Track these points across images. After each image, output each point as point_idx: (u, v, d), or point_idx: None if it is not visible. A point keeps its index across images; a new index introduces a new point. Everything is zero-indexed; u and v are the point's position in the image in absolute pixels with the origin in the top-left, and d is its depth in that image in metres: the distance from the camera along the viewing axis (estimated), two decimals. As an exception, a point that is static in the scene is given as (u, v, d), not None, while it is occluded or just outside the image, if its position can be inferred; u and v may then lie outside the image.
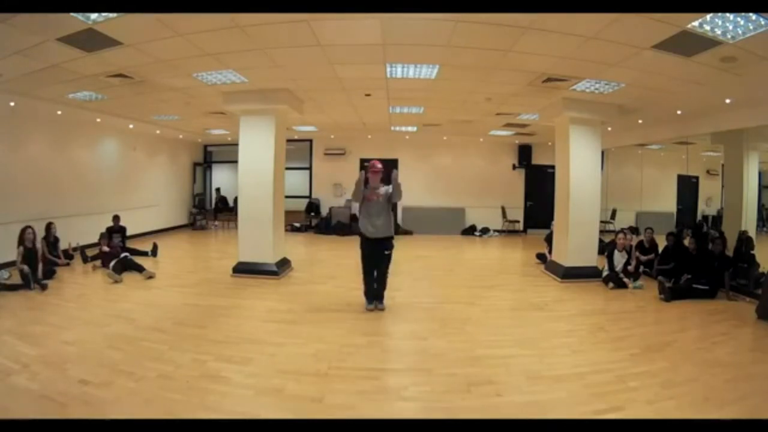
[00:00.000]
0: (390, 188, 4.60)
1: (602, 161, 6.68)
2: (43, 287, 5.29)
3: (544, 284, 6.19)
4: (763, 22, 3.26)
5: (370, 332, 4.11)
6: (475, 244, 10.52)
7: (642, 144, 9.80)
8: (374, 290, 4.71)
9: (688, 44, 3.71)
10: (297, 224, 11.64)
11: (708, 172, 10.67)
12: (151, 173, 10.52)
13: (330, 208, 11.75)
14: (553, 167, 7.06)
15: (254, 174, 6.18)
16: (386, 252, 4.58)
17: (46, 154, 7.48)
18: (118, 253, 6.55)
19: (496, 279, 6.56)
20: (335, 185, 12.07)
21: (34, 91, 5.76)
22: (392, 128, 9.90)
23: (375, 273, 4.65)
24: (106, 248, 6.75)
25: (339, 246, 9.60)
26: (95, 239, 7.30)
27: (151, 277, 6.00)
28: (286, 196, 7.14)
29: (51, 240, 6.70)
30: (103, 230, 7.35)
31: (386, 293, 4.77)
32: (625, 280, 5.98)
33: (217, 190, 12.70)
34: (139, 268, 6.19)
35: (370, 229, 4.56)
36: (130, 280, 5.90)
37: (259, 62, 4.72)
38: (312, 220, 11.95)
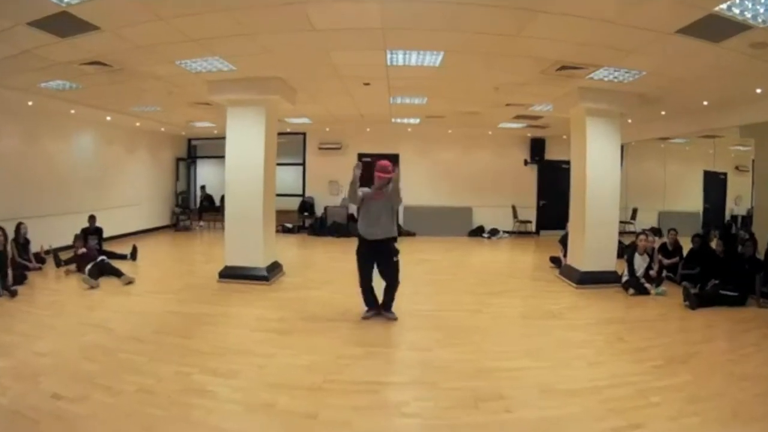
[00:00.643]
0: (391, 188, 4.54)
1: (621, 156, 6.68)
2: (13, 294, 5.29)
3: (558, 290, 6.18)
4: (796, 5, 3.26)
5: (369, 342, 4.10)
6: (483, 246, 10.52)
7: (665, 137, 9.81)
8: (375, 296, 4.71)
9: (716, 28, 3.71)
10: (289, 225, 11.65)
11: (737, 168, 10.67)
12: (131, 169, 10.53)
13: (325, 208, 11.76)
14: (568, 163, 7.06)
15: (243, 170, 6.18)
16: (394, 259, 4.56)
17: (16, 149, 7.49)
18: (94, 256, 6.56)
19: (505, 284, 6.57)
20: (331, 182, 12.07)
21: (2, 80, 5.76)
22: (393, 120, 9.90)
23: (373, 277, 4.64)
24: (82, 250, 6.76)
25: (335, 248, 9.60)
26: (70, 241, 7.31)
27: (130, 282, 6.01)
28: (278, 195, 7.14)
29: (21, 242, 6.71)
30: (78, 232, 7.36)
31: (383, 296, 4.74)
32: (647, 285, 5.98)
33: (202, 187, 12.71)
34: (117, 273, 6.20)
35: (369, 231, 4.53)
36: (108, 285, 5.90)
37: (248, 48, 4.72)
38: (305, 220, 11.96)
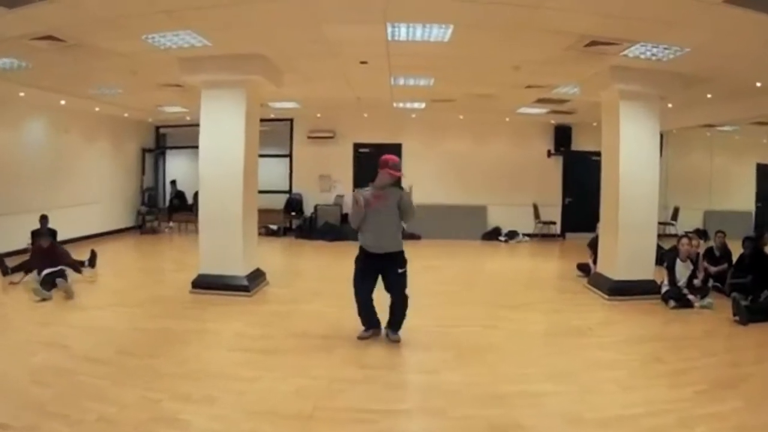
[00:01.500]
0: (400, 195, 4.45)
1: (661, 146, 6.68)
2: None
3: (586, 302, 6.19)
4: None
5: (367, 364, 4.10)
6: (500, 251, 10.52)
7: (711, 125, 9.82)
8: (375, 313, 4.65)
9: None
10: (274, 226, 11.64)
11: (796, 160, 10.68)
12: (89, 162, 10.53)
13: (315, 206, 11.76)
14: (598, 154, 7.06)
15: (219, 163, 6.17)
16: (399, 270, 4.48)
17: (-44, 138, 7.49)
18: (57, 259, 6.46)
19: (525, 296, 6.57)
20: (322, 177, 12.08)
21: (-60, 58, 5.78)
22: (394, 105, 9.90)
23: (372, 293, 4.58)
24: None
25: (327, 253, 9.59)
26: (17, 245, 7.29)
27: (68, 296, 5.82)
28: (260, 191, 7.13)
29: (-39, 247, 6.69)
30: (28, 234, 7.33)
31: (388, 315, 4.72)
32: (690, 297, 5.98)
33: (173, 183, 12.70)
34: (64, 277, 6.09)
35: (372, 243, 4.46)
36: (63, 298, 5.89)
37: (227, 20, 4.71)
38: (292, 220, 11.95)
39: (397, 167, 4.47)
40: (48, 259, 6.40)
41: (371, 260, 4.49)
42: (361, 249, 4.57)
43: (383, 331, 4.69)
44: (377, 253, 4.45)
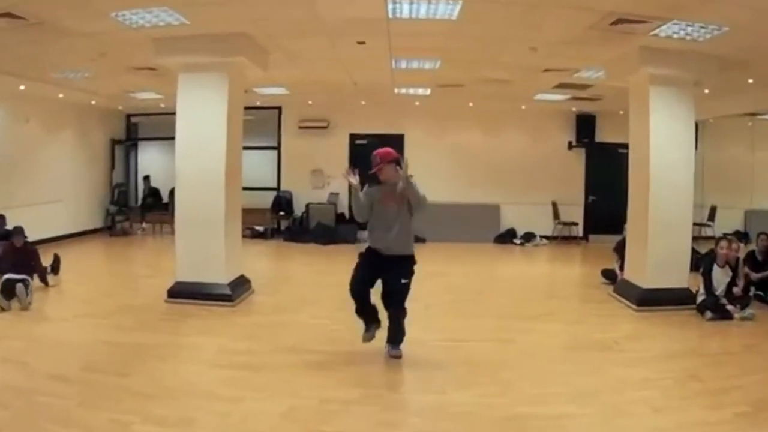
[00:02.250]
0: (399, 184, 4.39)
1: (696, 138, 6.68)
2: None
3: (612, 313, 6.19)
4: None
5: (364, 382, 4.09)
6: (515, 255, 10.52)
7: (753, 113, 9.84)
8: (374, 307, 4.60)
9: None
10: (260, 228, 11.65)
11: None
12: (52, 155, 10.52)
13: (307, 205, 11.77)
14: (625, 146, 7.06)
15: (198, 156, 6.17)
16: (403, 281, 4.45)
17: None
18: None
19: (543, 306, 6.57)
20: (314, 172, 12.09)
21: None
22: (396, 91, 9.91)
23: (371, 288, 4.54)
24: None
25: (319, 258, 9.59)
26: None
27: (23, 307, 5.77)
28: (245, 188, 7.13)
29: None
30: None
31: (387, 327, 4.69)
32: (729, 307, 5.98)
33: (146, 178, 12.71)
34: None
35: (382, 244, 4.48)
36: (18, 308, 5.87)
37: (206, -4, 4.73)
38: (281, 221, 11.96)
39: (382, 158, 4.41)
40: (18, 262, 6.34)
41: (376, 257, 4.51)
42: (369, 248, 4.60)
43: (385, 348, 4.62)
44: (384, 254, 4.48)
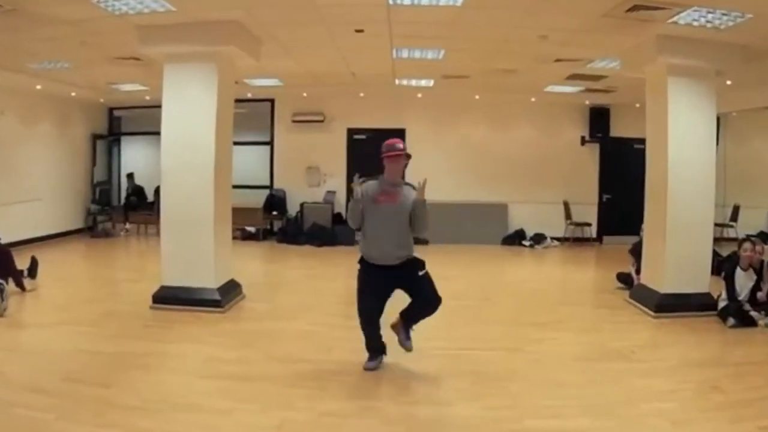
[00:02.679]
0: (411, 196, 4.31)
1: (718, 133, 6.67)
2: None
3: (628, 320, 6.18)
4: None
5: (363, 393, 4.09)
6: (524, 258, 10.51)
7: (779, 106, 9.80)
8: (382, 340, 4.53)
9: None
10: (251, 229, 11.65)
11: None
12: (29, 151, 10.50)
13: (301, 205, 11.76)
14: (642, 141, 7.06)
15: (186, 152, 6.17)
16: (420, 273, 4.34)
17: None
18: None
19: (555, 312, 6.56)
20: (309, 169, 12.09)
21: None
22: (396, 82, 9.90)
23: (381, 316, 4.44)
24: None
25: (315, 261, 9.59)
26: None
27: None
28: (235, 186, 7.13)
29: None
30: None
31: (385, 332, 4.62)
32: (753, 314, 5.97)
33: (129, 176, 12.71)
34: None
35: (376, 254, 4.35)
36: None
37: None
38: (274, 222, 11.96)
39: (394, 150, 4.31)
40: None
41: (378, 274, 4.36)
42: (363, 261, 4.46)
43: (398, 328, 4.53)
44: (383, 265, 4.35)
